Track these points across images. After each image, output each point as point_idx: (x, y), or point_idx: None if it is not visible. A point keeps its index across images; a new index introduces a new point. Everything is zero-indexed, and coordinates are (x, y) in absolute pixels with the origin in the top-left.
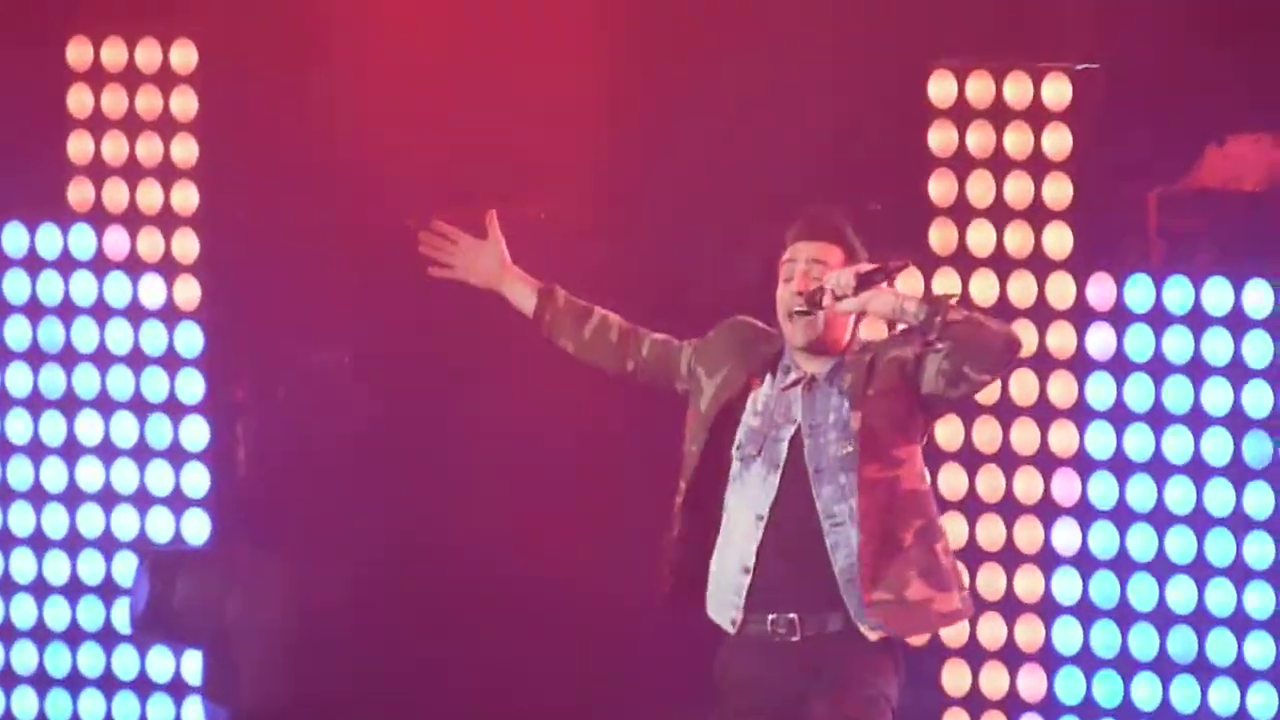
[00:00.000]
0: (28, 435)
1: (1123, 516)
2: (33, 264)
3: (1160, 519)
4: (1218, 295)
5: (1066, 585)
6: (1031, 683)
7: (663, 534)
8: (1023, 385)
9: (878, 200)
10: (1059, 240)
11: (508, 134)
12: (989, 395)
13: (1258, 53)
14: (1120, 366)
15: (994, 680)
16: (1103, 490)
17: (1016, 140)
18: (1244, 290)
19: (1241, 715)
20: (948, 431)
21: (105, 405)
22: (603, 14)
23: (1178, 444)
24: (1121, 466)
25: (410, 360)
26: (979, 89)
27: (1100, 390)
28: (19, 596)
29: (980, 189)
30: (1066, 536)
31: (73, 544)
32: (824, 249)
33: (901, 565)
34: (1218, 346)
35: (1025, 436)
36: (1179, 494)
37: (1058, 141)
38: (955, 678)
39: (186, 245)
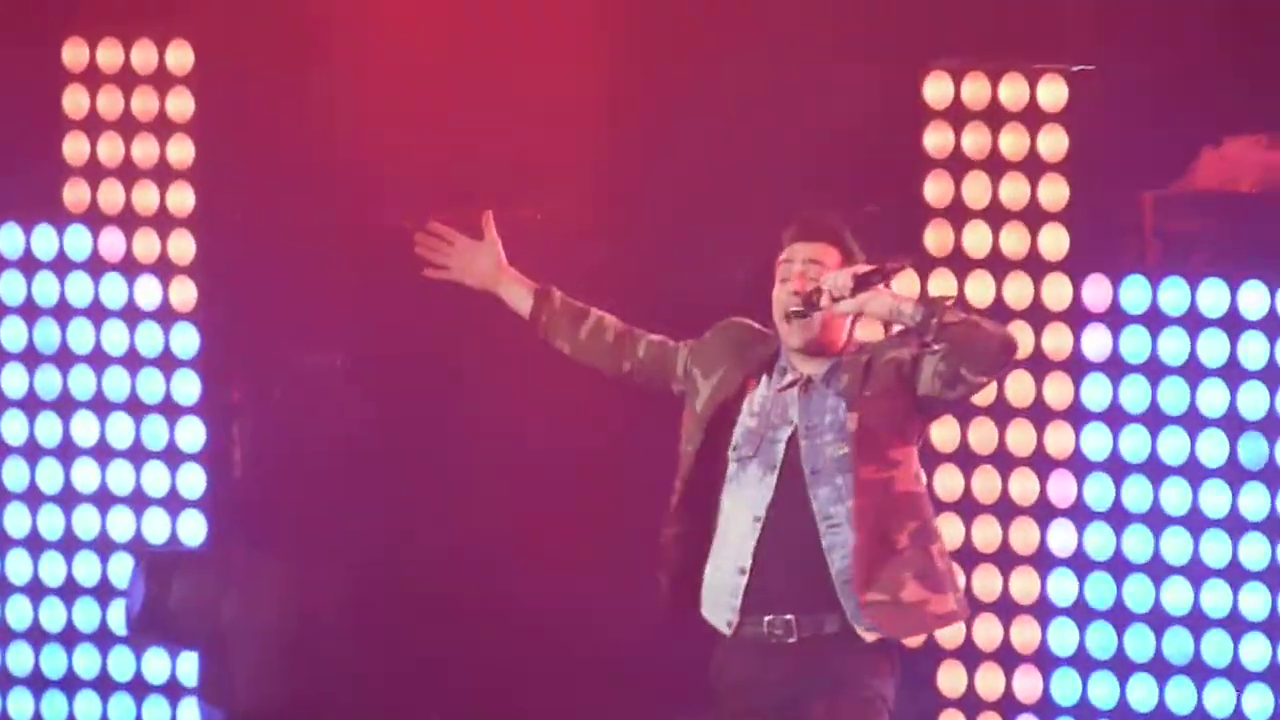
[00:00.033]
0: (23, 436)
1: (1118, 518)
2: (28, 265)
3: (1156, 520)
4: (1214, 296)
5: (1062, 586)
6: (1027, 684)
7: (659, 534)
8: (1019, 386)
9: (873, 201)
10: (1055, 241)
11: (506, 134)
12: (985, 396)
13: (1253, 54)
14: (1116, 368)
15: (990, 681)
16: (1098, 491)
17: (1012, 141)
18: (1240, 291)
19: (1237, 717)
20: (943, 433)
21: (101, 406)
22: (601, 15)
23: (1173, 445)
24: (1117, 468)
25: (406, 361)
26: (975, 90)
27: (1096, 391)
28: (14, 598)
29: (976, 190)
30: (1062, 538)
31: (69, 545)
32: (821, 250)
33: (896, 567)
34: (1214, 348)
35: (1021, 438)
36: (1175, 495)
37: (1053, 143)
38: (951, 679)
39: (182, 246)
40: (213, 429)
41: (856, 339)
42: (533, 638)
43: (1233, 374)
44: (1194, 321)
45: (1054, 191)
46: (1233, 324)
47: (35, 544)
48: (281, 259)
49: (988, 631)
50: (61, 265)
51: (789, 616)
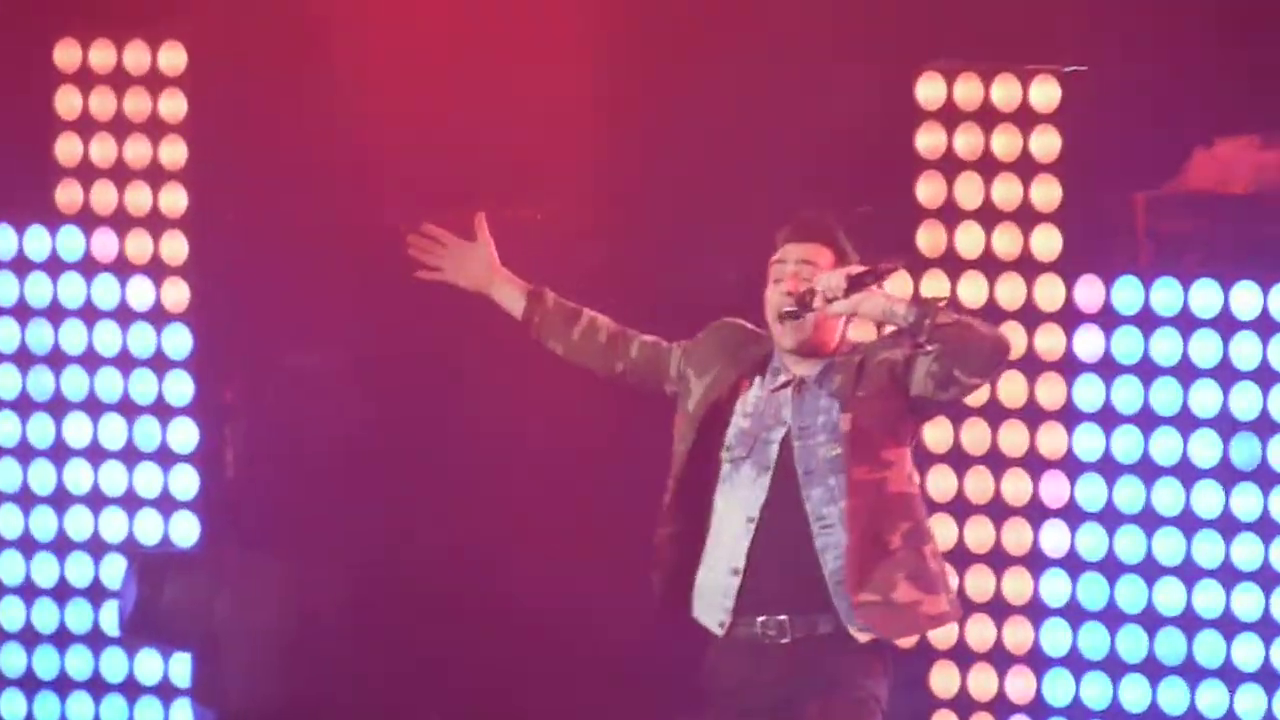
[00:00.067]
0: (16, 437)
1: (1111, 518)
2: (20, 266)
3: (1149, 521)
4: (1206, 297)
5: (1055, 587)
6: (1020, 684)
7: (653, 534)
8: (1011, 387)
9: (866, 202)
10: (1047, 242)
11: (505, 134)
12: (977, 397)
13: (1245, 55)
14: (1109, 368)
15: (982, 682)
16: (1091, 492)
17: (1005, 142)
18: (1232, 292)
19: (1230, 717)
20: (936, 433)
21: (93, 407)
22: (601, 15)
23: (1166, 446)
24: (1110, 468)
25: (400, 362)
26: (967, 91)
27: (1089, 392)
28: (7, 599)
29: (968, 191)
30: (1055, 538)
31: (61, 546)
32: (814, 251)
33: (889, 567)
34: (1206, 348)
35: (1014, 438)
36: (1167, 496)
37: (1046, 143)
38: (944, 679)
39: (175, 247)
40: (205, 430)
41: (850, 340)
42: (533, 638)
43: (1225, 374)
44: (1186, 322)
45: (1046, 192)
46: (1225, 324)
47: (28, 545)
48: (275, 260)
49: (980, 632)
50: (54, 266)
51: (782, 617)
